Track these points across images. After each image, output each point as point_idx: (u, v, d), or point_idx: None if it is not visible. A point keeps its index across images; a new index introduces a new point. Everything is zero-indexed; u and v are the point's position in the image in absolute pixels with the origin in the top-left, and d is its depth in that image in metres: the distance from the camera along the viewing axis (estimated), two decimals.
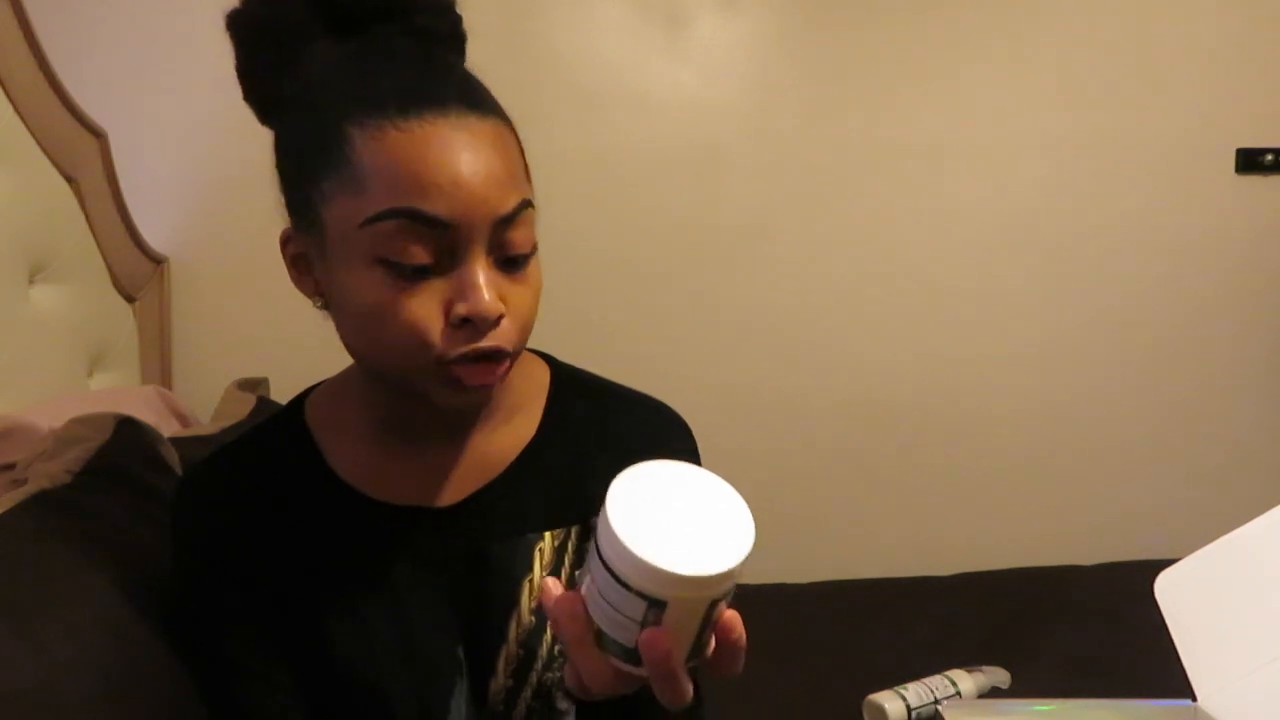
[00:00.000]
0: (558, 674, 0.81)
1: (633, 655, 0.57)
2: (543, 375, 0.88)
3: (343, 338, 0.76)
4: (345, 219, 0.70)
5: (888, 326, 1.98)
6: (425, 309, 0.69)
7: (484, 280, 0.69)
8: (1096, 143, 1.96)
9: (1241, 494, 1.98)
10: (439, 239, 0.69)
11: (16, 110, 1.35)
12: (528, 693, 0.81)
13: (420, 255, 0.68)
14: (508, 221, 0.71)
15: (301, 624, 0.79)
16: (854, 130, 1.93)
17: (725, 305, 1.94)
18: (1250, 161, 1.97)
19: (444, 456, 0.82)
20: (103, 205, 1.56)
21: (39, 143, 1.40)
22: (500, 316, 0.70)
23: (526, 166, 0.76)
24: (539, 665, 0.81)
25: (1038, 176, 1.96)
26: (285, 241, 0.77)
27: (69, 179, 1.47)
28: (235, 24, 0.77)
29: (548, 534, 0.83)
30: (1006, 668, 1.46)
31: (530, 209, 0.73)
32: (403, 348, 0.70)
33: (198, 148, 1.77)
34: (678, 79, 1.89)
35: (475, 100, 0.72)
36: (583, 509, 0.83)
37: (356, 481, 0.82)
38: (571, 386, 0.88)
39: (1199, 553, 0.80)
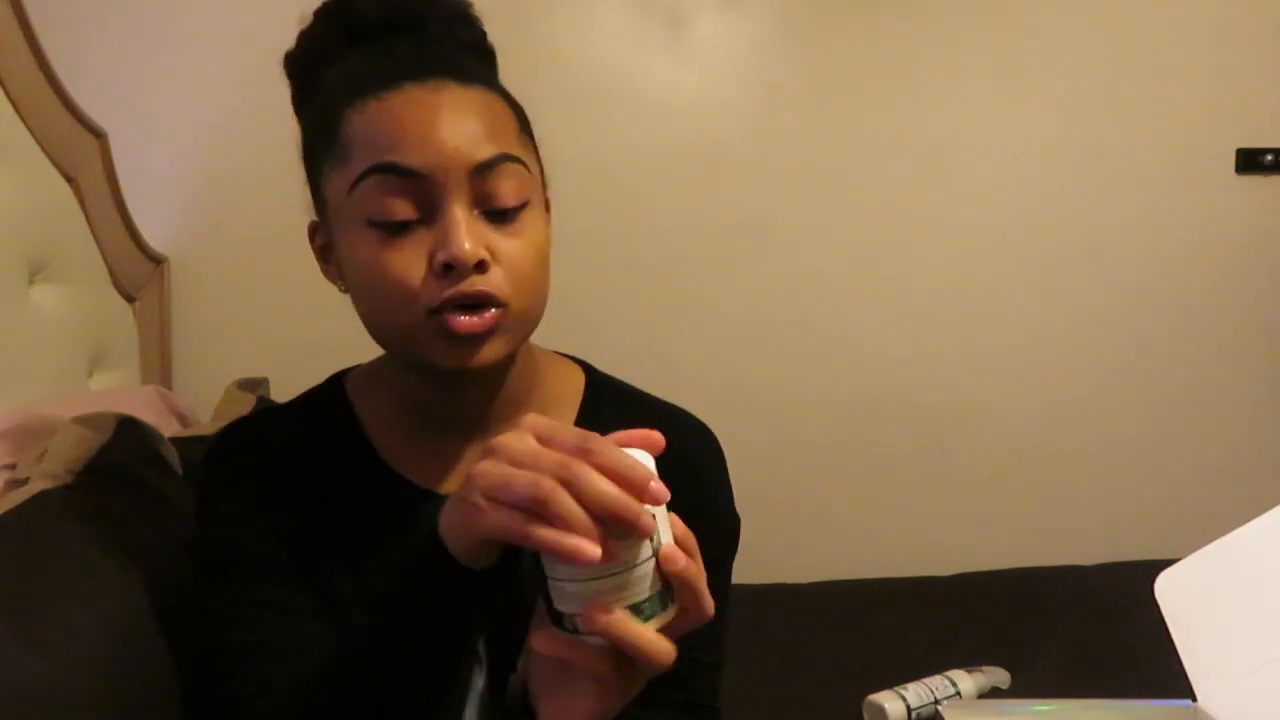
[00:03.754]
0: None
1: (645, 608, 0.59)
2: (578, 380, 0.89)
3: (361, 318, 0.78)
4: (338, 190, 0.73)
5: (888, 326, 1.98)
6: (409, 260, 0.71)
7: (463, 228, 0.71)
8: (1096, 143, 1.96)
9: (1241, 494, 1.97)
10: (417, 191, 0.71)
11: (16, 110, 1.35)
12: None
13: (402, 210, 0.71)
14: (485, 170, 0.72)
15: (320, 591, 0.79)
16: (854, 130, 1.93)
17: (724, 304, 1.94)
18: (1250, 161, 1.97)
19: (472, 451, 0.83)
20: (103, 205, 1.56)
21: (39, 143, 1.40)
22: (481, 262, 0.71)
23: (532, 140, 0.78)
24: None
25: (1038, 176, 1.96)
26: (312, 234, 0.81)
27: (69, 179, 1.47)
28: (291, 64, 0.82)
29: None
30: (1006, 668, 1.46)
31: (515, 164, 0.74)
32: (394, 302, 0.72)
33: (198, 148, 1.76)
34: (678, 79, 1.89)
35: (460, 72, 0.75)
36: None
37: (390, 463, 0.83)
38: (605, 395, 0.89)
39: (1199, 553, 0.79)
